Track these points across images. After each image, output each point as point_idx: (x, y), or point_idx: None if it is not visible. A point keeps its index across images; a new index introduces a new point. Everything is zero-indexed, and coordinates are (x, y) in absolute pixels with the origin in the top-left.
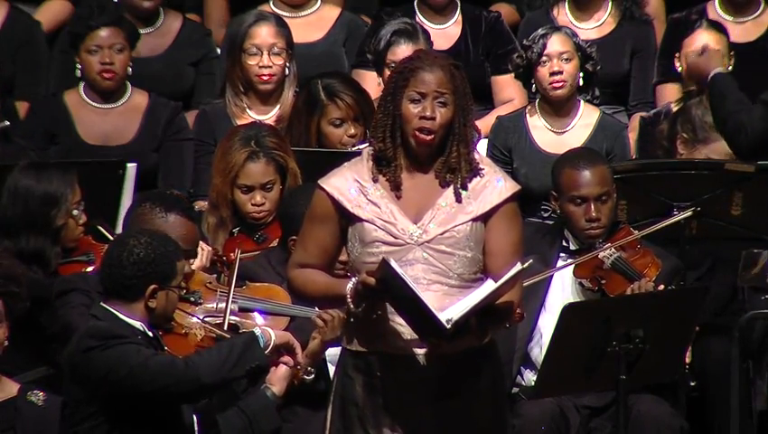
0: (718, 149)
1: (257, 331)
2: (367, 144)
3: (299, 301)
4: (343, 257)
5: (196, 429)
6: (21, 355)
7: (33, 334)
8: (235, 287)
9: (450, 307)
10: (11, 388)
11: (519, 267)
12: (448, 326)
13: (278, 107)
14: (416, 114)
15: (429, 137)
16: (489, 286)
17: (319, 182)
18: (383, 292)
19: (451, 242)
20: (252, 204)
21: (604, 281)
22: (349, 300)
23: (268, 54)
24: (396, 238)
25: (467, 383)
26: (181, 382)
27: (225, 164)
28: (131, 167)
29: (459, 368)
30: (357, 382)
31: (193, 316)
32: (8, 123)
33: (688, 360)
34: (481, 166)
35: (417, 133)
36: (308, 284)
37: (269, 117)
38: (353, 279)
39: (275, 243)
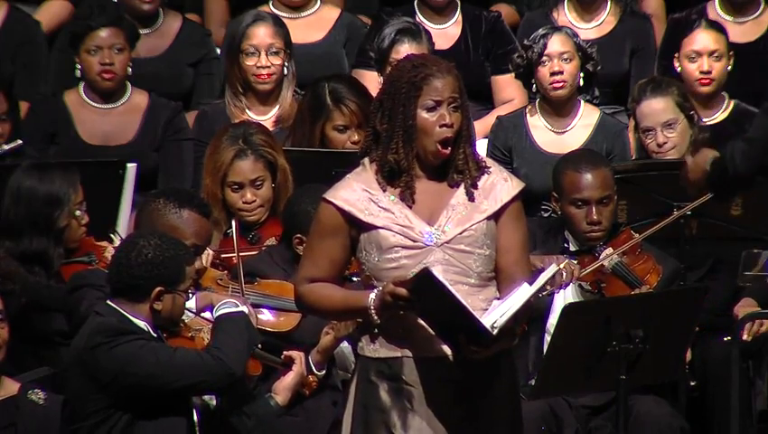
0: (652, 107)
1: (245, 309)
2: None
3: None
4: None
5: (197, 429)
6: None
7: (25, 335)
8: (246, 283)
9: (491, 313)
10: (12, 386)
11: (554, 267)
12: (494, 333)
13: (277, 107)
14: (434, 122)
15: (448, 150)
16: (526, 289)
17: (325, 195)
18: (415, 302)
19: (470, 241)
20: (243, 202)
21: (603, 285)
22: (372, 312)
23: (266, 54)
24: (415, 241)
25: (492, 383)
26: (215, 377)
27: (214, 163)
28: (131, 167)
29: (485, 369)
30: (381, 387)
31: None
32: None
33: (688, 360)
34: (487, 165)
35: (440, 147)
36: (320, 299)
37: (268, 117)
38: (375, 291)
39: (268, 242)
